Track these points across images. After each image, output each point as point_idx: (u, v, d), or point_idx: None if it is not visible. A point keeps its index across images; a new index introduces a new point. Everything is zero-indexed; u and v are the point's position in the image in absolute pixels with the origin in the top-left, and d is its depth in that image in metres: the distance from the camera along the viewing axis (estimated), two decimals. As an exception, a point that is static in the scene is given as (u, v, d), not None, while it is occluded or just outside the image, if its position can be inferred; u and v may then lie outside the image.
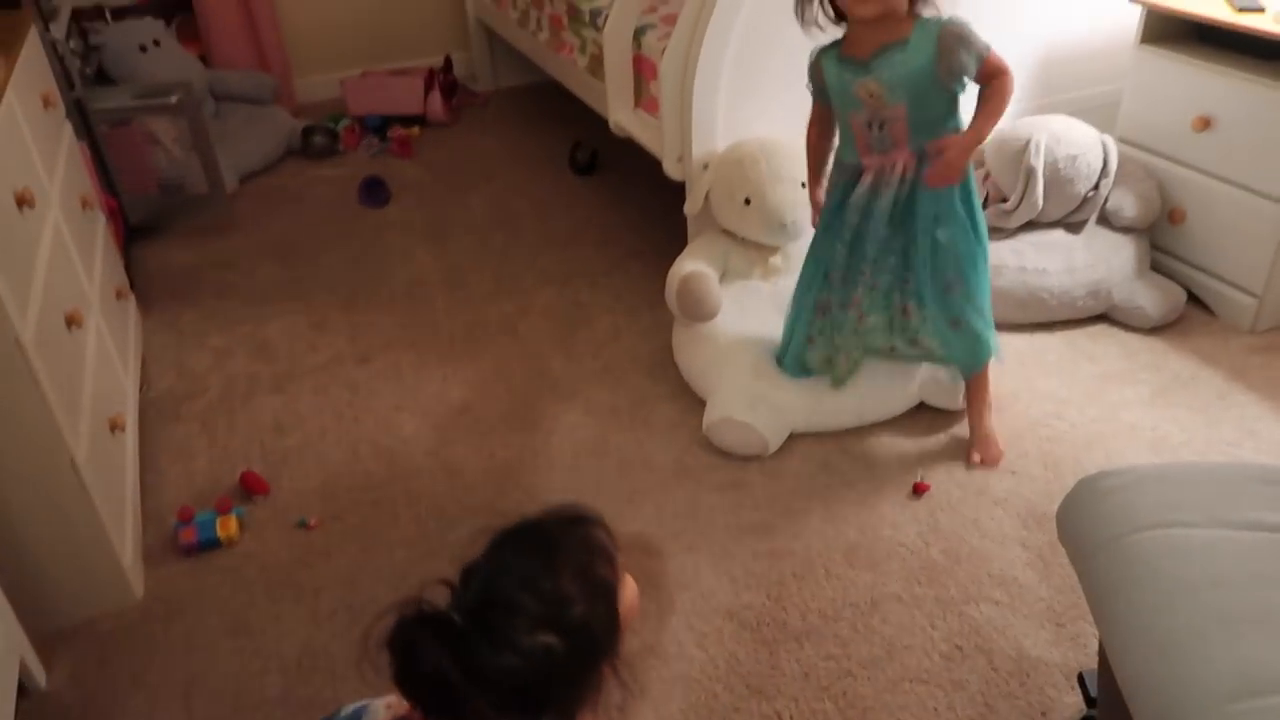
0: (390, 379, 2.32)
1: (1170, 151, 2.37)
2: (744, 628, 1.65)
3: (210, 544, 1.85)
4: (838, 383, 2.02)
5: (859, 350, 2.00)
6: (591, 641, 0.95)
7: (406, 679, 0.91)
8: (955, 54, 1.64)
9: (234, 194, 3.18)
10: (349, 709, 1.14)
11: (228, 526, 1.86)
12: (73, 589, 1.68)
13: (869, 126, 1.75)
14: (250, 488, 1.98)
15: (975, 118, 1.69)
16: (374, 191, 3.13)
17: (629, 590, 1.06)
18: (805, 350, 2.00)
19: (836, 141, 1.88)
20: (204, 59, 3.62)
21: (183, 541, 1.84)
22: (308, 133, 3.46)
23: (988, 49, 1.65)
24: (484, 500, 1.94)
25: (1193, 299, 2.38)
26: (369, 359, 2.39)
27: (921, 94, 1.69)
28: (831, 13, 1.71)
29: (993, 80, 1.67)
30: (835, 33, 1.76)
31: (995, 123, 1.68)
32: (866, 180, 1.80)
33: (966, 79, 1.68)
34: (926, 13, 1.67)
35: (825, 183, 1.93)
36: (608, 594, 1.00)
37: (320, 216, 3.09)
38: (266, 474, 2.02)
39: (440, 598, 0.94)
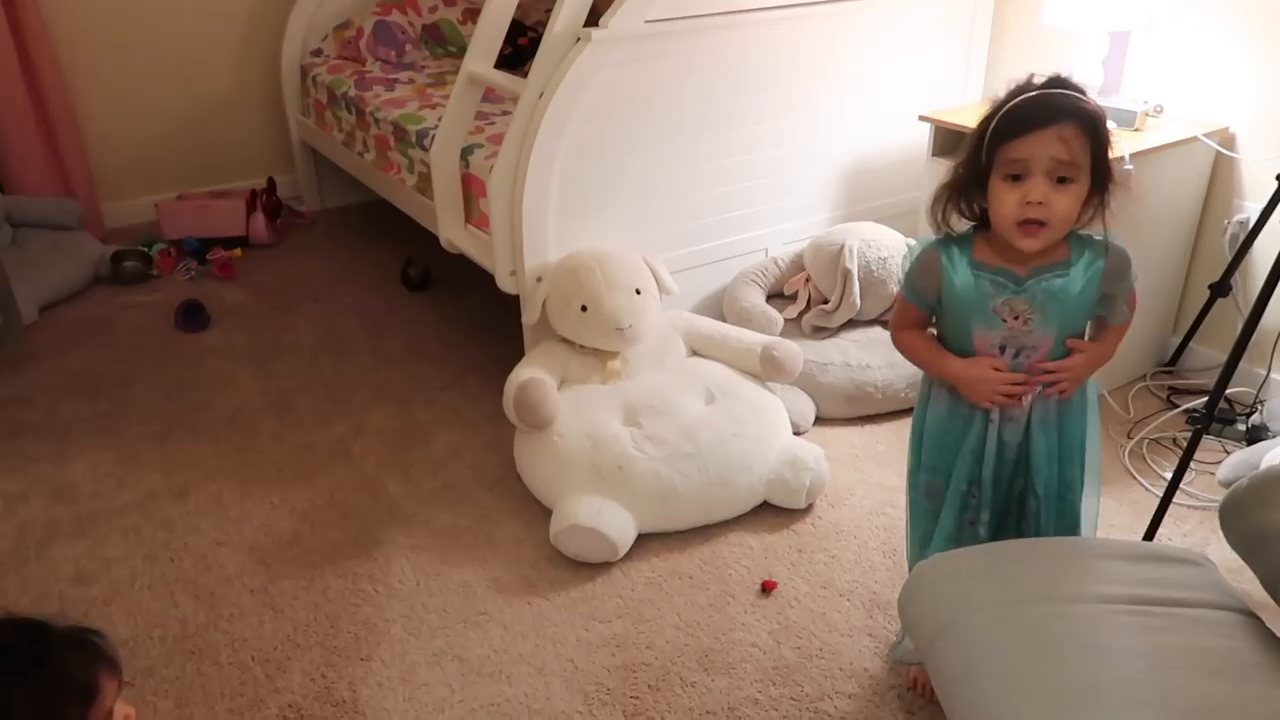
0: (211, 513, 2.15)
1: (968, 252, 2.57)
2: (601, 750, 1.58)
3: (-5, 717, 1.63)
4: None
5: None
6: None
7: None
8: (1118, 282, 1.44)
9: (33, 325, 2.95)
10: None
11: (16, 694, 1.64)
12: None
13: (1001, 351, 1.45)
14: (45, 647, 1.76)
15: (1105, 338, 1.49)
16: (192, 316, 2.98)
17: None
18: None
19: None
20: (0, 185, 3.39)
21: (-40, 717, 1.61)
22: (118, 258, 3.27)
23: (1133, 281, 1.46)
24: (316, 638, 1.80)
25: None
26: (187, 493, 2.22)
27: (1071, 320, 1.44)
28: (975, 216, 1.44)
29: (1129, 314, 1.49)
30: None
31: (1117, 347, 1.50)
32: (984, 414, 1.49)
33: (1110, 309, 1.47)
34: (1084, 230, 1.44)
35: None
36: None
37: (132, 345, 2.90)
38: (65, 630, 1.81)
39: None
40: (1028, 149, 1.32)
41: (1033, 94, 1.34)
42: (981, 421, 1.50)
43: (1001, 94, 1.37)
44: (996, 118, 1.35)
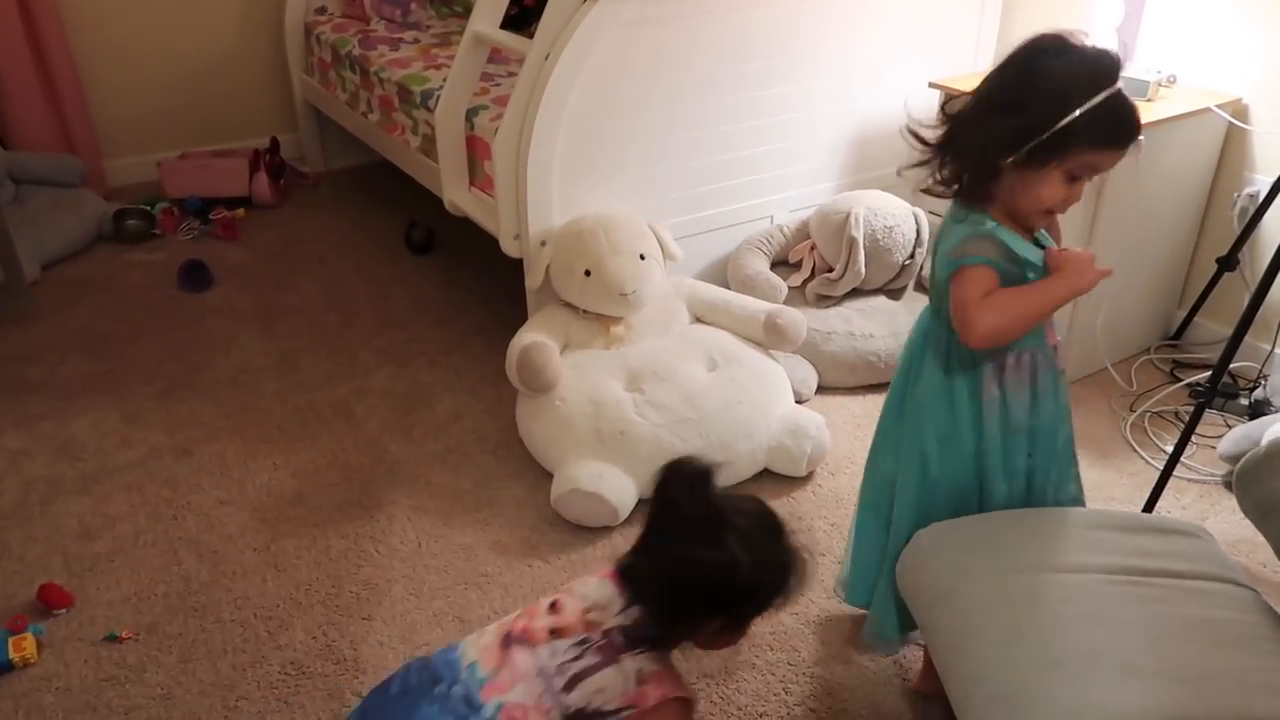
0: (214, 472, 2.16)
1: (975, 222, 2.55)
2: (600, 710, 1.59)
3: (1, 667, 1.64)
4: None
5: None
6: (759, 585, 1.23)
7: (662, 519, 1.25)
8: None
9: (36, 282, 2.95)
10: (439, 654, 1.26)
11: (22, 646, 1.66)
12: None
13: None
14: (50, 601, 1.78)
15: None
16: (195, 276, 2.97)
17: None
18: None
19: None
20: (2, 141, 3.37)
21: (-34, 668, 1.63)
22: (120, 216, 3.26)
23: None
24: (319, 597, 1.82)
25: (1005, 357, 2.54)
26: (190, 452, 2.23)
27: None
28: (981, 197, 1.37)
29: None
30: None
31: None
32: (1047, 359, 1.46)
33: None
34: None
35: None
36: (789, 569, 1.27)
37: (135, 303, 2.89)
38: (70, 585, 1.83)
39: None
40: (1109, 162, 1.28)
41: (1128, 105, 1.25)
42: (988, 402, 1.45)
43: (1071, 63, 1.24)
44: (1085, 111, 1.23)
